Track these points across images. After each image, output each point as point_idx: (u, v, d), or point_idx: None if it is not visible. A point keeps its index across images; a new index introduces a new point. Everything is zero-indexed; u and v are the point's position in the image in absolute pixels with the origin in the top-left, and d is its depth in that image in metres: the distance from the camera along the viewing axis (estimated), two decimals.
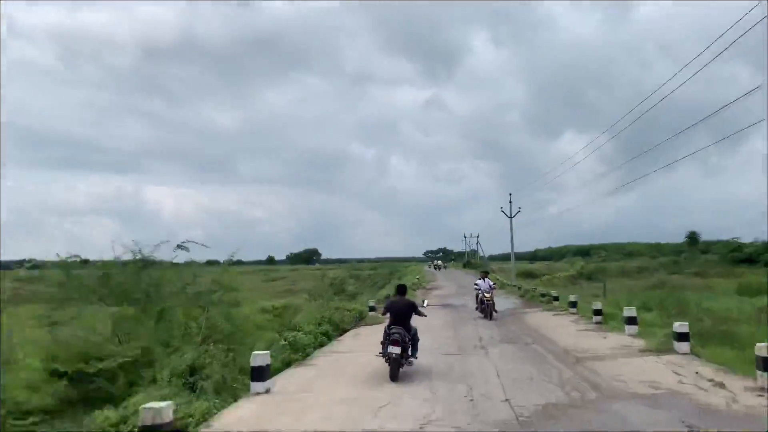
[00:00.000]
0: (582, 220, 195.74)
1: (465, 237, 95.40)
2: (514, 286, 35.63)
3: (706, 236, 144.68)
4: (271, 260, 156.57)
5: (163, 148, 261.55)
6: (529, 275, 56.54)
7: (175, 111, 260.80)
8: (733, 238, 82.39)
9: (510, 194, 41.92)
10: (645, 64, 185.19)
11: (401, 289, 10.92)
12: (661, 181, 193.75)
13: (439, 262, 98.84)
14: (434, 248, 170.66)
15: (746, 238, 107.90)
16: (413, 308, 10.25)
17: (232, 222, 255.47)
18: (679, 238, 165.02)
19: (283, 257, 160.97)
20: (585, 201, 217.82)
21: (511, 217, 41.89)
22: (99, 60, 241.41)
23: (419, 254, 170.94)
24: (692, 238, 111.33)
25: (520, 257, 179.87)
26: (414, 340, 10.04)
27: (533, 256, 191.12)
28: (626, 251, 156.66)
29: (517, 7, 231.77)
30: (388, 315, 10.30)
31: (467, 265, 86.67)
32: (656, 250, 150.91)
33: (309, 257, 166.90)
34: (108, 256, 10.35)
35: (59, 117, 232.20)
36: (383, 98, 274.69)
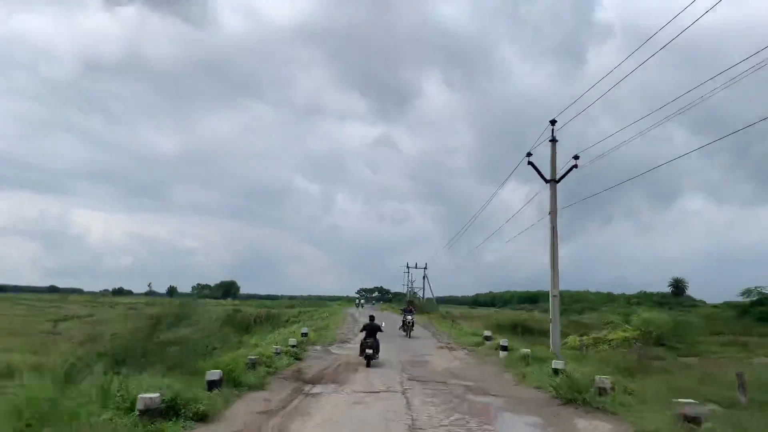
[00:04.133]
0: (518, 268, 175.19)
1: (408, 268, 67.34)
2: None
3: (632, 289, 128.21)
4: (171, 292, 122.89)
5: (95, 169, 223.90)
6: (526, 330, 29.23)
7: (112, 131, 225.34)
8: (757, 287, 57.50)
9: (553, 123, 14.73)
10: (590, 118, 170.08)
11: (372, 318, 17.22)
12: (596, 234, 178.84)
13: (362, 300, 71.69)
14: (370, 286, 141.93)
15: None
16: (378, 329, 16.06)
17: (163, 251, 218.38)
18: (607, 287, 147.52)
19: (182, 289, 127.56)
20: (525, 249, 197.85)
21: (555, 180, 14.58)
22: (34, 70, 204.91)
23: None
24: (678, 286, 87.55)
25: (460, 302, 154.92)
26: (378, 346, 15.61)
27: (474, 301, 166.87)
28: (576, 299, 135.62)
29: (473, 51, 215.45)
30: (364, 332, 15.96)
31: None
32: (609, 299, 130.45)
33: (225, 291, 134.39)
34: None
35: None
36: (332, 132, 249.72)
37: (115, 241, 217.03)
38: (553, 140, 14.82)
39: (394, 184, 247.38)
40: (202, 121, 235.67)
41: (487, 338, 18.73)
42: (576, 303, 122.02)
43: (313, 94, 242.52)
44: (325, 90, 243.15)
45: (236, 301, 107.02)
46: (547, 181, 14.84)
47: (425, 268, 62.76)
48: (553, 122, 14.72)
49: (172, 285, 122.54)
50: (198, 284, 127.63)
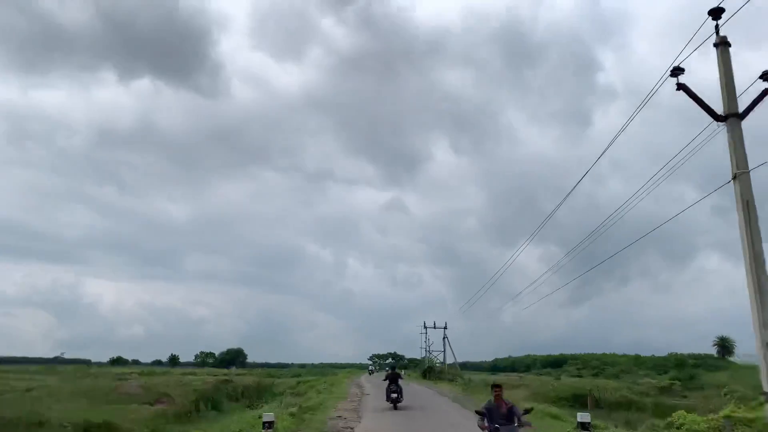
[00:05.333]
0: (536, 332, 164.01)
1: (425, 328, 58.43)
2: None
3: (652, 350, 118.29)
4: (174, 361, 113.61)
5: (107, 238, 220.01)
6: (596, 403, 20.69)
7: (125, 200, 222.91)
8: None
9: (716, 14, 7.59)
10: (598, 178, 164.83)
11: (393, 367, 21.82)
12: (612, 295, 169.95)
13: (374, 367, 62.78)
14: (383, 352, 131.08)
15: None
16: (399, 376, 19.33)
17: (174, 320, 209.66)
18: (629, 349, 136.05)
19: (191, 358, 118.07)
20: (541, 311, 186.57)
21: (737, 114, 7.09)
22: (50, 142, 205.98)
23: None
24: (724, 346, 76.61)
25: (478, 367, 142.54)
26: (402, 391, 18.73)
27: (493, 367, 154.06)
28: (604, 362, 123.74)
29: (479, 116, 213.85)
30: (387, 380, 19.14)
31: (428, 374, 49.25)
32: (637, 362, 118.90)
33: (231, 359, 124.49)
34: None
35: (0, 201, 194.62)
36: (342, 198, 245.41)
37: (127, 310, 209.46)
38: (723, 43, 7.67)
39: (405, 248, 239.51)
40: (213, 189, 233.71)
41: (585, 426, 10.58)
42: (606, 366, 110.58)
43: (323, 161, 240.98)
44: (334, 157, 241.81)
45: (242, 370, 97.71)
46: (720, 119, 7.55)
47: (445, 328, 54.11)
48: (716, 13, 7.65)
49: (174, 353, 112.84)
50: (201, 352, 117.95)
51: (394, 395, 18.07)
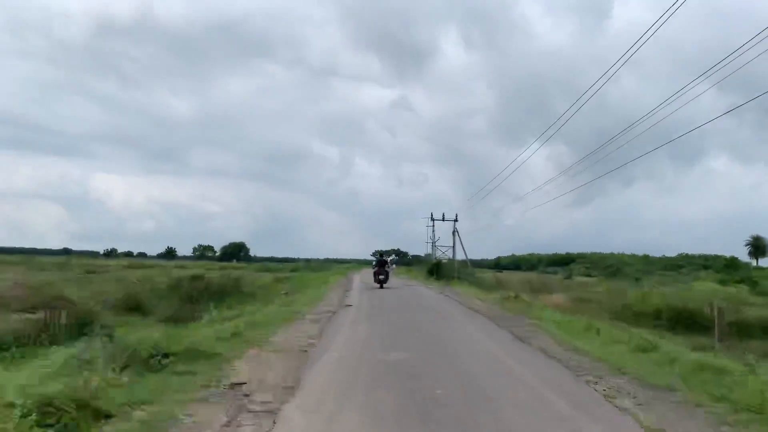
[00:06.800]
0: (538, 230, 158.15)
1: (432, 220, 50.11)
2: None
3: (654, 251, 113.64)
4: (171, 253, 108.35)
5: (113, 133, 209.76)
6: (705, 327, 11.70)
7: (128, 94, 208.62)
8: None
9: None
10: (612, 77, 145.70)
11: (381, 254, 27.59)
12: (616, 195, 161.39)
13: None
14: (387, 248, 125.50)
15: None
16: (386, 263, 25.17)
17: (184, 214, 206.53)
18: (628, 249, 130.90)
19: (189, 251, 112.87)
20: (543, 211, 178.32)
21: None
22: (49, 32, 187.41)
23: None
24: (758, 246, 68.55)
25: (480, 265, 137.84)
26: (388, 276, 24.42)
27: (497, 265, 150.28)
28: (612, 262, 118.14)
29: (492, 6, 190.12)
30: (377, 265, 24.48)
31: (437, 271, 41.32)
32: (646, 262, 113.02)
33: (232, 253, 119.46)
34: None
35: (2, 92, 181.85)
36: (348, 94, 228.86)
37: (136, 204, 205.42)
38: None
39: (412, 146, 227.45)
40: (216, 83, 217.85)
41: None
42: (620, 266, 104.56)
43: (328, 55, 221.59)
44: (339, 51, 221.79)
45: (242, 264, 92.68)
46: None
47: (455, 220, 45.68)
48: None
49: (170, 246, 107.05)
50: (199, 245, 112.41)
51: (381, 277, 23.74)
